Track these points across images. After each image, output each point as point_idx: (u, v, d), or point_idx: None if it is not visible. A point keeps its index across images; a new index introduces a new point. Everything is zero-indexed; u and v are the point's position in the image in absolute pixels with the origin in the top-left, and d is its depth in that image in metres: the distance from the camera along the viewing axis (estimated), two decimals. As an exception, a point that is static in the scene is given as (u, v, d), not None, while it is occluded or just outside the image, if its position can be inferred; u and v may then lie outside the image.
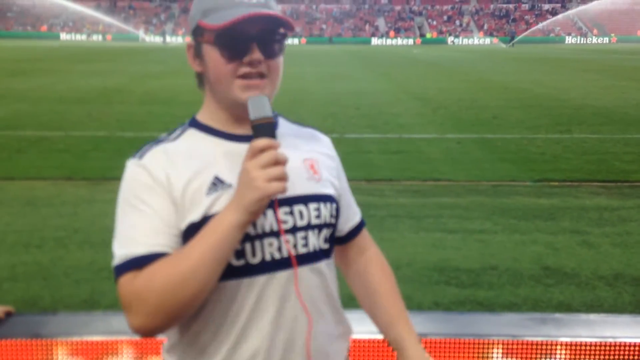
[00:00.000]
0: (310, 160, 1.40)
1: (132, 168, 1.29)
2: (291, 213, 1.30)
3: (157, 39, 59.69)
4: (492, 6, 73.88)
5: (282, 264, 1.29)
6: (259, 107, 1.23)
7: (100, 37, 61.81)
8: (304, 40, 63.19)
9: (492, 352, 1.93)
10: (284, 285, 1.29)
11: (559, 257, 5.13)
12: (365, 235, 1.57)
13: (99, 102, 14.72)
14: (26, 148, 9.42)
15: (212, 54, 1.29)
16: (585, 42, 63.08)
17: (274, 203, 1.27)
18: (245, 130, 1.30)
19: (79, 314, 2.51)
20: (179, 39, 60.78)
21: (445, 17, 71.09)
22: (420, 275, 4.68)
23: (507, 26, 67.57)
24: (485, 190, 7.30)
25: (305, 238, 1.32)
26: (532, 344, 1.92)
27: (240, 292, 1.27)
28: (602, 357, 1.91)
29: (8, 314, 2.02)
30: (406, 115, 13.16)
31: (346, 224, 1.51)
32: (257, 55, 1.27)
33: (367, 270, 1.53)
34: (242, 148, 1.23)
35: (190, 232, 1.22)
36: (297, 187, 1.31)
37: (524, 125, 11.89)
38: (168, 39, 58.19)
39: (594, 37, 64.12)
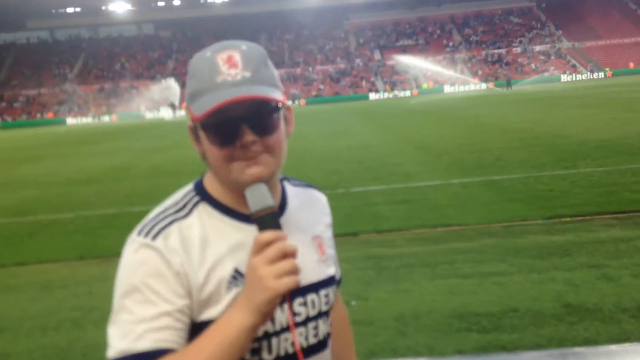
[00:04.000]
0: (318, 238, 1.35)
1: (142, 250, 1.15)
2: (304, 304, 1.26)
3: (160, 114, 61.02)
4: (483, 52, 75.33)
5: (294, 358, 1.23)
6: (258, 197, 1.12)
7: (105, 118, 63.29)
8: (302, 102, 64.52)
9: (519, 393, 1.89)
10: None
11: (580, 293, 5.05)
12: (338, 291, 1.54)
13: (106, 180, 14.92)
14: (37, 232, 9.48)
15: (205, 140, 1.21)
16: (581, 78, 63.94)
17: (286, 297, 1.18)
18: None
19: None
20: (182, 112, 62.18)
21: (439, 67, 72.43)
22: (441, 324, 4.60)
23: (500, 70, 68.71)
24: (497, 232, 7.26)
25: (316, 327, 1.28)
26: (558, 381, 1.87)
27: None
28: (631, 388, 1.87)
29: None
30: (410, 165, 13.24)
31: None
32: (248, 137, 1.15)
33: (337, 323, 1.51)
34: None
35: (204, 327, 1.12)
36: (309, 274, 1.25)
37: (529, 164, 11.92)
38: (177, 112, 59.79)
39: (589, 73, 65.00)
